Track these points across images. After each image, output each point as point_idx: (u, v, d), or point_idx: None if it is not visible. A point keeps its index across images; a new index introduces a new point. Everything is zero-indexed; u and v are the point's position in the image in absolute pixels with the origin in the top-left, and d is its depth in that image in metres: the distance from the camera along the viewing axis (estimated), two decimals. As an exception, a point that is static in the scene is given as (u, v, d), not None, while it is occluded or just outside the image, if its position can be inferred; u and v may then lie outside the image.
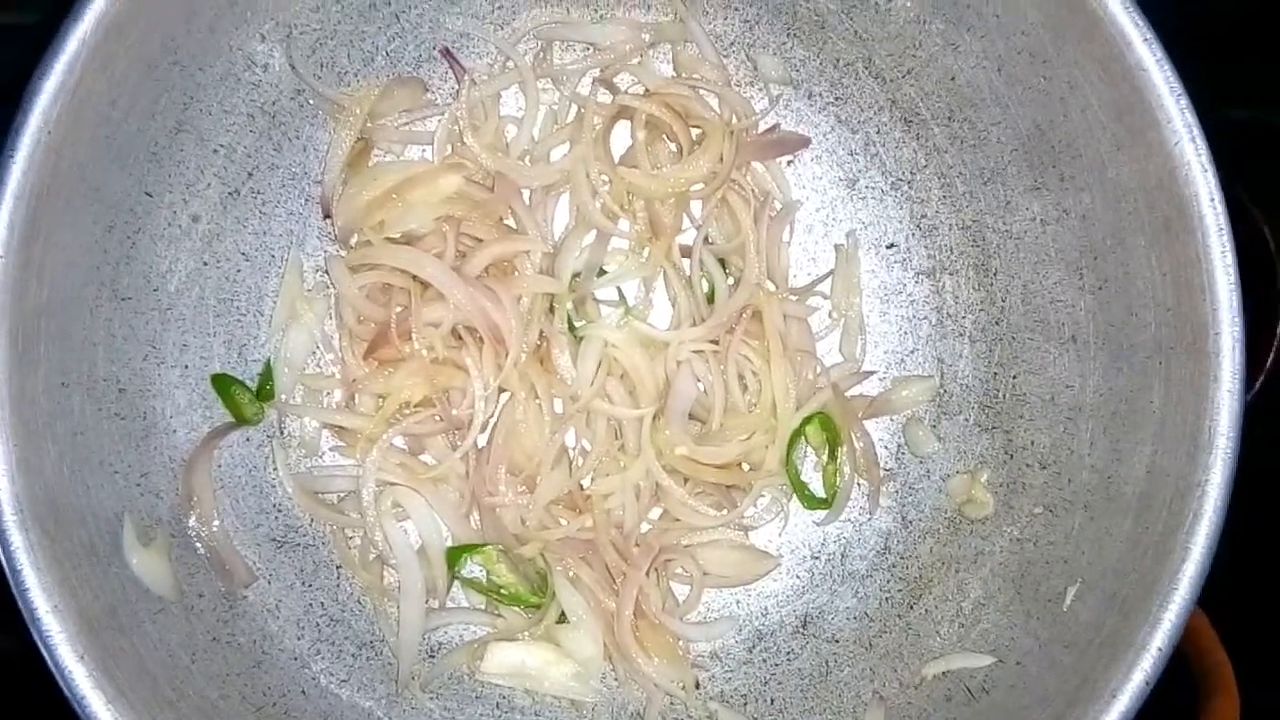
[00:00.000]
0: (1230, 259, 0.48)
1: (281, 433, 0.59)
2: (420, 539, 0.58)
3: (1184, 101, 0.48)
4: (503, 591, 0.58)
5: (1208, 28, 0.71)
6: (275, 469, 0.59)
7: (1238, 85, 0.72)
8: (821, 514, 0.61)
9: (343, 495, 0.59)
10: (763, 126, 0.62)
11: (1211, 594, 0.53)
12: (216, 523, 0.56)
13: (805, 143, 0.62)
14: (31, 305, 0.47)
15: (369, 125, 0.59)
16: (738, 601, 0.61)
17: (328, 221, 0.59)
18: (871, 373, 0.62)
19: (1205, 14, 0.71)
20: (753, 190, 0.61)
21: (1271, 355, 0.72)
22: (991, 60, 0.55)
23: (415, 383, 0.58)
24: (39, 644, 0.46)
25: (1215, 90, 0.66)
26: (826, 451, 0.60)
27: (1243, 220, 0.66)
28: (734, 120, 0.61)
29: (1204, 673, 0.65)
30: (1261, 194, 0.71)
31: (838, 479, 0.60)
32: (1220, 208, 0.48)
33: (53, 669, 0.46)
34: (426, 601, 0.58)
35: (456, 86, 0.60)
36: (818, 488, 0.61)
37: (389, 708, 0.57)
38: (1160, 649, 0.48)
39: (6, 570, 0.46)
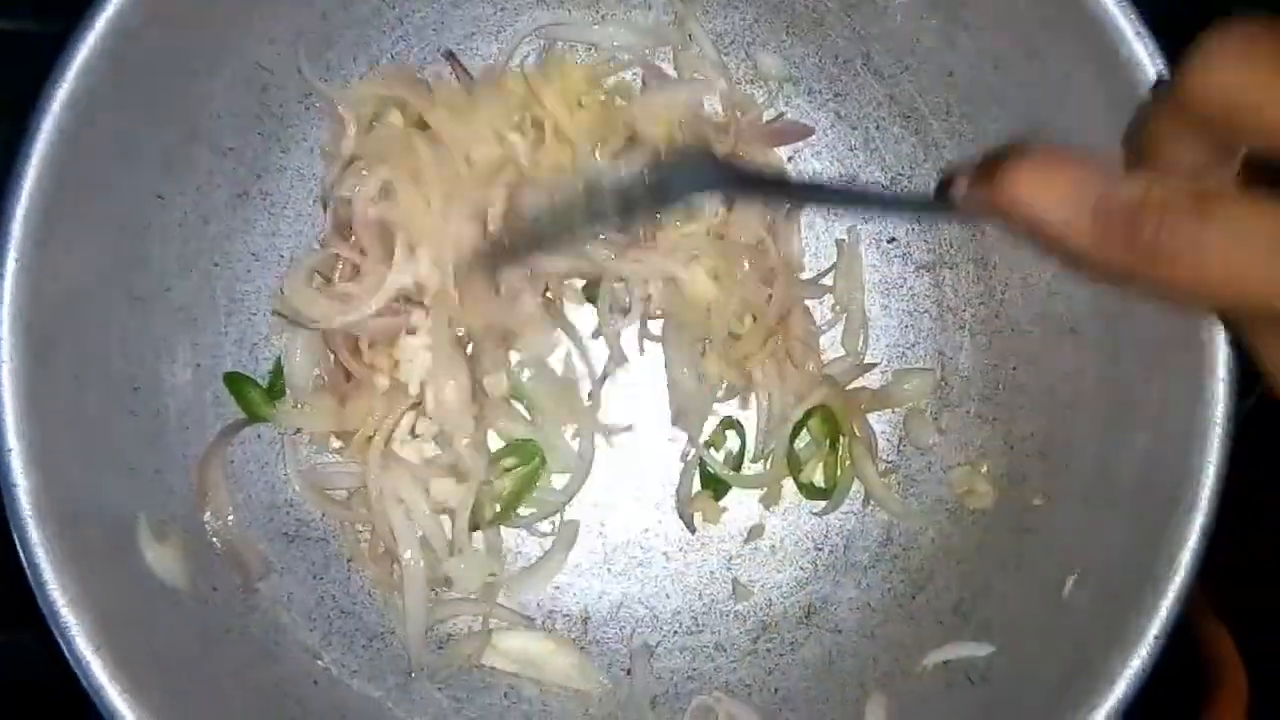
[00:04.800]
0: (1224, 250, 0.49)
1: (295, 431, 0.60)
2: (422, 530, 0.59)
3: (1176, 94, 0.49)
4: None
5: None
6: (286, 465, 0.60)
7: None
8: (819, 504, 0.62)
9: (351, 490, 0.60)
10: (769, 116, 0.63)
11: (1221, 586, 0.53)
12: (231, 517, 0.57)
13: (808, 132, 0.62)
14: (46, 306, 0.48)
15: (374, 124, 0.60)
16: (742, 593, 0.62)
17: (334, 222, 0.61)
18: (874, 365, 0.63)
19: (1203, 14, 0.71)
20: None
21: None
22: (987, 56, 0.55)
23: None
24: (57, 637, 0.48)
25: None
26: (827, 443, 0.61)
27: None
28: (737, 114, 0.62)
29: (1210, 663, 0.65)
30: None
31: (838, 470, 0.61)
32: (1213, 199, 0.49)
33: (70, 661, 0.48)
34: (435, 592, 0.59)
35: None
36: (818, 478, 0.62)
37: (399, 698, 0.58)
38: (1157, 636, 0.49)
39: (25, 565, 0.48)
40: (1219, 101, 0.34)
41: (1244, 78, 0.33)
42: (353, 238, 0.58)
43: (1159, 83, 0.37)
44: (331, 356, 0.59)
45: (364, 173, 0.57)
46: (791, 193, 0.56)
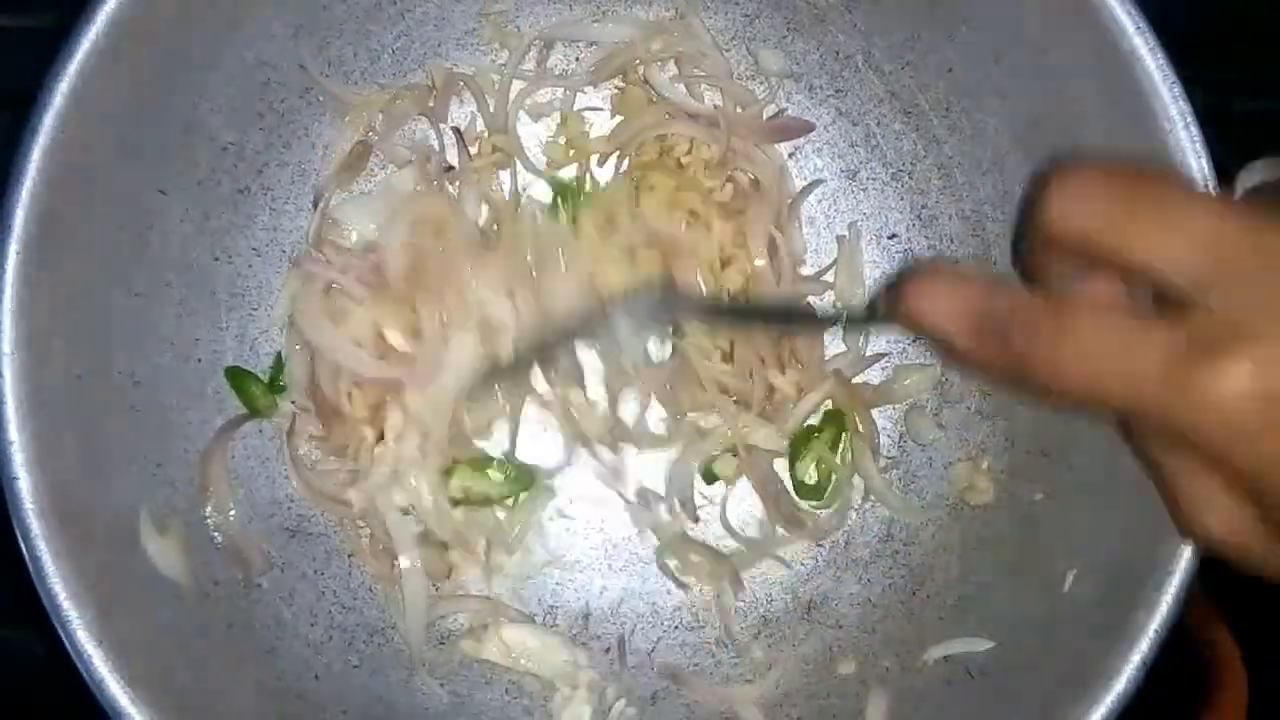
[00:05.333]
0: (1225, 244, 0.49)
1: (290, 429, 0.60)
2: (422, 525, 0.59)
3: (1177, 89, 0.49)
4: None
5: (1222, 21, 0.71)
6: (285, 461, 0.60)
7: (1253, 79, 0.72)
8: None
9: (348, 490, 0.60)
10: (769, 112, 0.63)
11: (1223, 586, 0.53)
12: (233, 512, 0.57)
13: (809, 128, 0.62)
14: (47, 300, 0.49)
15: (372, 133, 0.60)
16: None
17: (329, 218, 0.61)
18: (879, 357, 0.63)
19: (1219, 8, 0.71)
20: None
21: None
22: (989, 51, 0.55)
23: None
24: (59, 631, 0.48)
25: (1228, 84, 0.66)
26: (827, 441, 0.61)
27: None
28: (737, 110, 0.62)
29: (1211, 662, 0.65)
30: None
31: (831, 472, 0.62)
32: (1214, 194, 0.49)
33: (72, 656, 0.48)
34: (436, 587, 0.59)
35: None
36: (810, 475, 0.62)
37: (400, 694, 0.59)
38: (1157, 630, 0.49)
39: (27, 559, 0.48)
40: (1075, 237, 0.38)
41: (1089, 217, 0.37)
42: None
43: (1029, 202, 0.41)
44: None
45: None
46: (739, 317, 0.59)
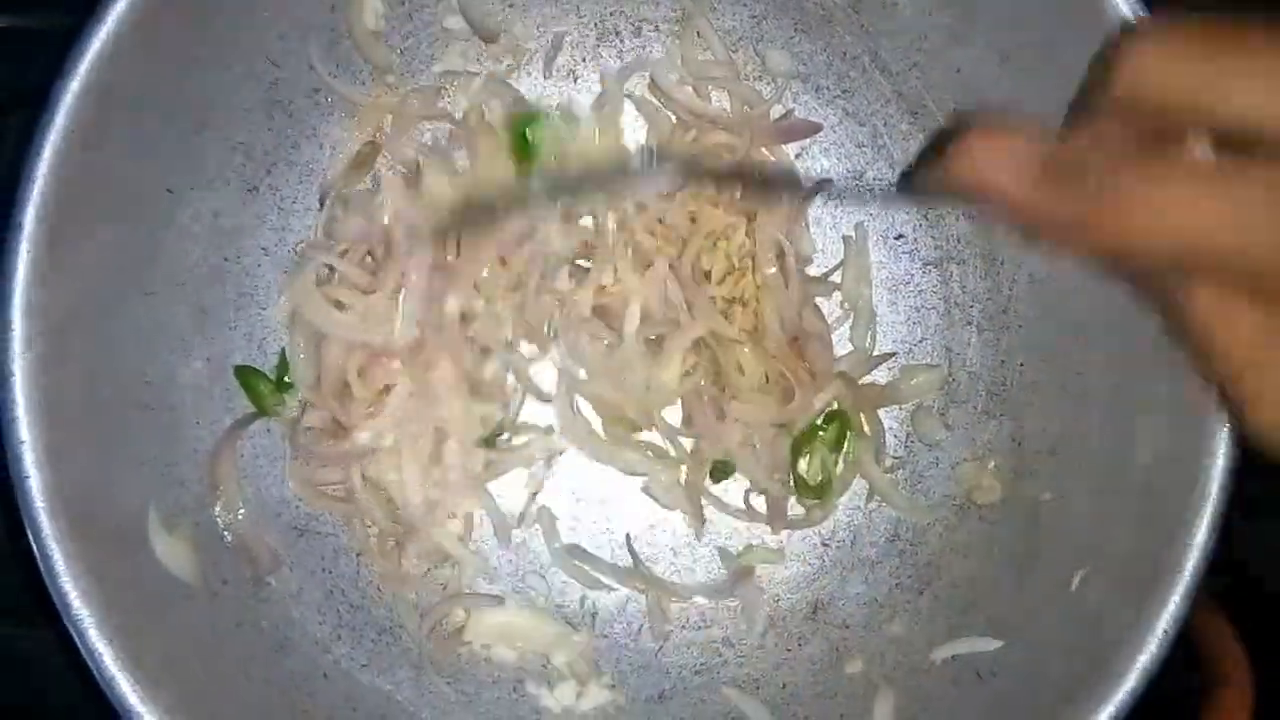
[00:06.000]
0: (1233, 245, 0.49)
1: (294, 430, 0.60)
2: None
3: (1185, 91, 0.49)
4: None
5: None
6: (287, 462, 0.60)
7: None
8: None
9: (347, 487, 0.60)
10: (777, 113, 0.63)
11: (1228, 585, 0.54)
12: (241, 511, 0.57)
13: (816, 129, 0.63)
14: (59, 300, 0.49)
15: (380, 134, 0.61)
16: (750, 588, 0.62)
17: (335, 217, 0.61)
18: (888, 355, 0.63)
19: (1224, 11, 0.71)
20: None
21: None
22: (995, 52, 0.56)
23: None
24: (69, 629, 0.48)
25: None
26: (832, 440, 0.61)
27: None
28: (745, 110, 0.62)
29: (1214, 660, 0.65)
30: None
31: (832, 470, 0.62)
32: (1222, 195, 0.49)
33: (83, 654, 0.48)
34: (444, 586, 0.60)
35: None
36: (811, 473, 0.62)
37: (409, 692, 0.59)
38: (1166, 630, 0.49)
39: (38, 557, 0.48)
40: (1155, 97, 0.35)
41: (1173, 74, 0.35)
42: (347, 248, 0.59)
43: (1098, 62, 0.39)
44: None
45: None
46: (769, 184, 0.61)
